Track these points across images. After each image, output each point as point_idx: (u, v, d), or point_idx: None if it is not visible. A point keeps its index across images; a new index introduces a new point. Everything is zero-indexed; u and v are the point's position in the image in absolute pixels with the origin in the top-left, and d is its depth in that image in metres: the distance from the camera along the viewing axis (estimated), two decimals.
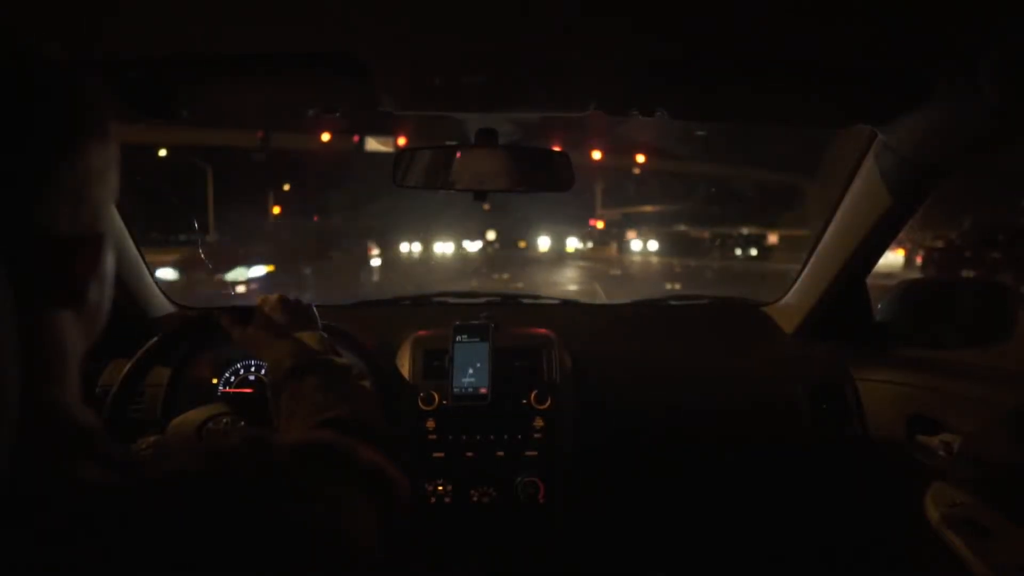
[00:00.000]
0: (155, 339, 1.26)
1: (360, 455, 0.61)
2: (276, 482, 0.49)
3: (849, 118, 1.29)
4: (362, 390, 0.88)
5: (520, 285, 13.04)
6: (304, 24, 0.88)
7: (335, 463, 0.58)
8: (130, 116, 1.18)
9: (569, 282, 14.88)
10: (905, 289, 1.56)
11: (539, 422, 1.44)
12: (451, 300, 1.89)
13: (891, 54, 0.96)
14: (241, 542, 0.42)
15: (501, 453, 1.43)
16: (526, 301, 1.95)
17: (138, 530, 0.39)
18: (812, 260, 1.64)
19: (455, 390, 1.42)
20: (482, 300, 1.89)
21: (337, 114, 1.23)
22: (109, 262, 0.52)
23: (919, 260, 14.62)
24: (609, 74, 1.05)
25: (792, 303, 1.73)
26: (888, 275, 2.82)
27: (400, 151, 1.29)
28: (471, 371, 1.43)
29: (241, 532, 0.43)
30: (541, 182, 1.30)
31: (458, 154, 1.28)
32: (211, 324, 1.12)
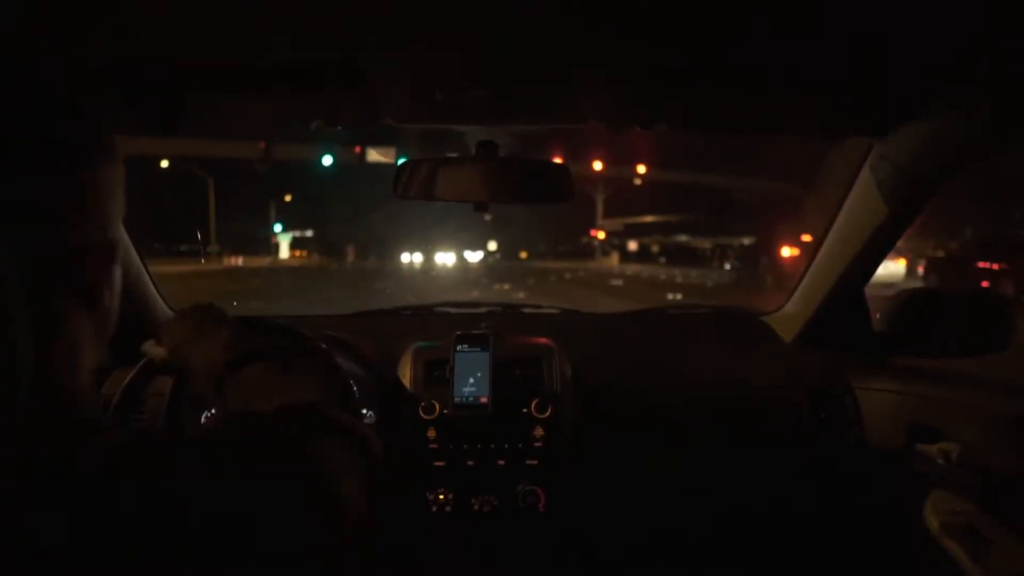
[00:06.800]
0: None
1: (334, 414, 0.64)
2: (265, 442, 0.53)
3: (846, 130, 1.30)
4: (313, 376, 0.85)
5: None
6: (307, 38, 0.90)
7: (316, 422, 0.62)
8: (134, 129, 1.20)
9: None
10: (904, 299, 1.56)
11: (539, 431, 1.44)
12: (452, 310, 1.89)
13: (887, 66, 0.97)
14: (237, 512, 0.45)
15: (502, 462, 1.44)
16: (526, 310, 1.96)
17: (140, 506, 0.41)
18: (810, 270, 1.64)
19: (456, 399, 1.42)
20: (483, 310, 1.89)
21: (339, 128, 1.24)
22: (118, 271, 0.54)
23: (921, 270, 14.64)
24: (607, 87, 1.07)
25: (791, 312, 1.74)
26: (889, 285, 2.82)
27: (402, 164, 1.30)
28: (472, 380, 1.43)
29: (237, 500, 0.45)
30: (541, 194, 1.31)
31: (459, 166, 1.29)
32: None
